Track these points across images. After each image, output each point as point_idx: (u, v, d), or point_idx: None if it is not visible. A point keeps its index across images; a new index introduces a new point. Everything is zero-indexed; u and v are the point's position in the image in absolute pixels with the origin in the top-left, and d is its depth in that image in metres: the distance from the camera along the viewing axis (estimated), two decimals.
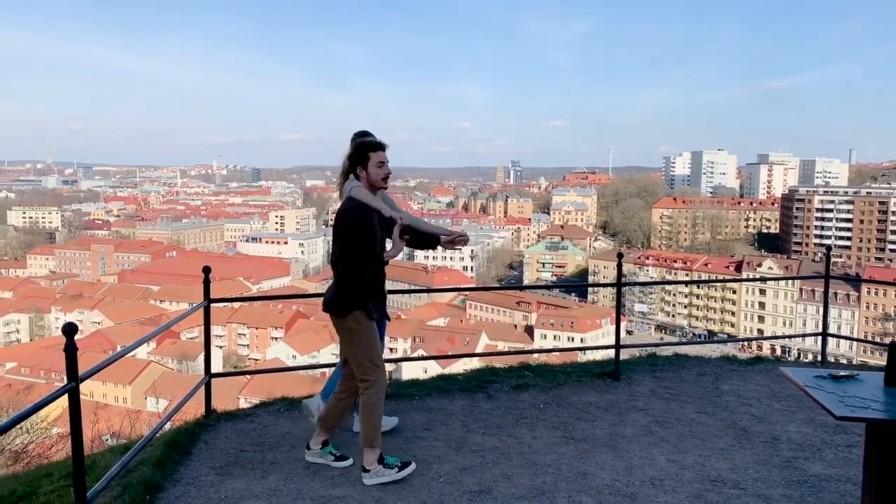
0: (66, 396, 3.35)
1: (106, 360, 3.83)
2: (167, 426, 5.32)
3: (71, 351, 3.20)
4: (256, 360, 78.00)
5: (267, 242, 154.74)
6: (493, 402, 5.93)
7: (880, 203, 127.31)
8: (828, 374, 3.70)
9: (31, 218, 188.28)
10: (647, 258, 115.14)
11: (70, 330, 3.22)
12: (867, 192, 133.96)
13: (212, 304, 5.52)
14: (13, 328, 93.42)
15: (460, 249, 4.51)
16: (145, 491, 4.06)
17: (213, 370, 5.76)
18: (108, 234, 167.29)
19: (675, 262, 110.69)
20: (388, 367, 5.36)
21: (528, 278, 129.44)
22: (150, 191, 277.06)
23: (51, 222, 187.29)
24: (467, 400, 5.96)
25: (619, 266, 6.87)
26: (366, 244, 4.27)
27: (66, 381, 3.33)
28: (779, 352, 73.44)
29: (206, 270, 5.39)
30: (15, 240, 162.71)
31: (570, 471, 4.52)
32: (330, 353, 68.54)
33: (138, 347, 4.93)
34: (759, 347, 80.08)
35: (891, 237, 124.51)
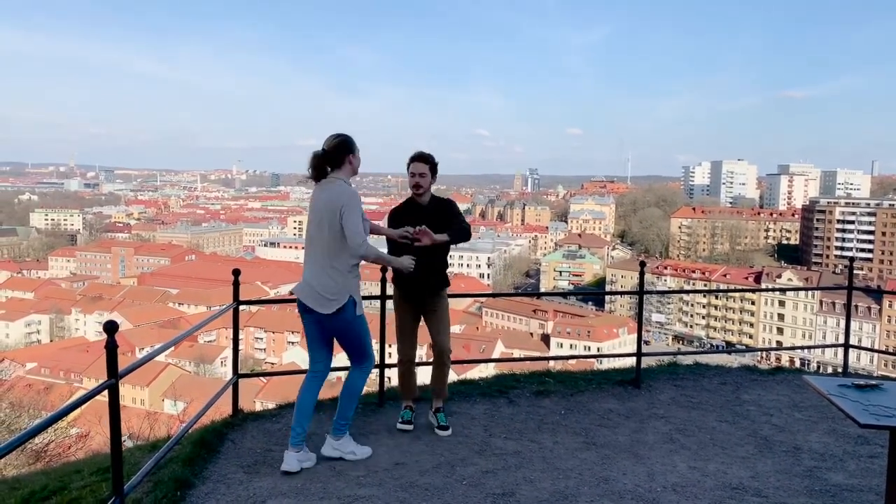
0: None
1: (143, 358, 3.94)
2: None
3: (112, 348, 3.30)
4: (273, 363, 78.25)
5: (285, 247, 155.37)
6: (515, 407, 5.99)
7: None
8: (851, 383, 3.73)
9: (53, 220, 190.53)
10: (666, 268, 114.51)
11: (111, 328, 3.32)
12: (890, 205, 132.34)
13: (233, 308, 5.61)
14: (34, 329, 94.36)
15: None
16: (176, 487, 4.15)
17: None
18: (129, 237, 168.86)
19: (693, 272, 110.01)
20: None
21: (545, 287, 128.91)
22: (171, 195, 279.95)
23: (72, 224, 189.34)
24: (488, 405, 6.02)
25: (642, 274, 6.91)
26: None
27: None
28: (798, 363, 72.75)
29: (236, 273, 5.48)
30: (37, 241, 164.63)
31: (592, 476, 4.56)
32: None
33: (168, 349, 5.02)
34: (778, 359, 79.32)
35: None
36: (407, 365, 5.46)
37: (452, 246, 5.22)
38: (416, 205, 5.24)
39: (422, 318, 5.43)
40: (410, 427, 5.34)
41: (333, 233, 4.41)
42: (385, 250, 4.92)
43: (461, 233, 5.13)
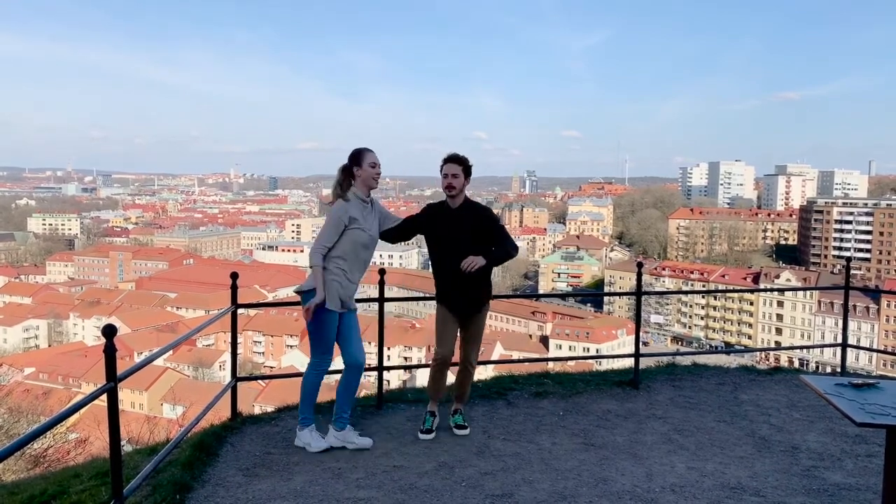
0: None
1: (142, 362, 3.95)
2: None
3: (111, 352, 3.31)
4: (272, 367, 78.16)
5: (283, 251, 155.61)
6: (513, 408, 5.99)
7: None
8: (848, 381, 3.74)
9: (50, 225, 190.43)
10: (664, 269, 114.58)
11: (110, 331, 3.33)
12: (887, 204, 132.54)
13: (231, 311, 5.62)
14: (32, 334, 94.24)
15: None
16: (175, 490, 4.16)
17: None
18: (127, 242, 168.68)
19: (691, 273, 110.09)
20: (404, 375, 5.47)
21: (544, 288, 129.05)
22: (168, 199, 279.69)
23: (70, 229, 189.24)
24: (487, 406, 6.02)
25: (639, 275, 6.93)
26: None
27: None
28: (797, 363, 72.75)
29: (234, 276, 5.50)
30: (35, 246, 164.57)
31: (591, 476, 4.57)
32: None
33: (167, 353, 5.05)
34: (777, 359, 79.37)
35: None
36: (440, 365, 5.28)
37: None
38: (446, 208, 5.16)
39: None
40: (431, 436, 5.23)
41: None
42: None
43: (502, 255, 5.04)
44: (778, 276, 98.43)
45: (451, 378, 5.51)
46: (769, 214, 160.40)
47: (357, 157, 4.94)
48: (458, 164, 5.08)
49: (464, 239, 5.00)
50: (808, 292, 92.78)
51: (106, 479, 4.46)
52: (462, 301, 5.18)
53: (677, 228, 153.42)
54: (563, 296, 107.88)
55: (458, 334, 5.31)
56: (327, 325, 4.88)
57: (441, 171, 5.12)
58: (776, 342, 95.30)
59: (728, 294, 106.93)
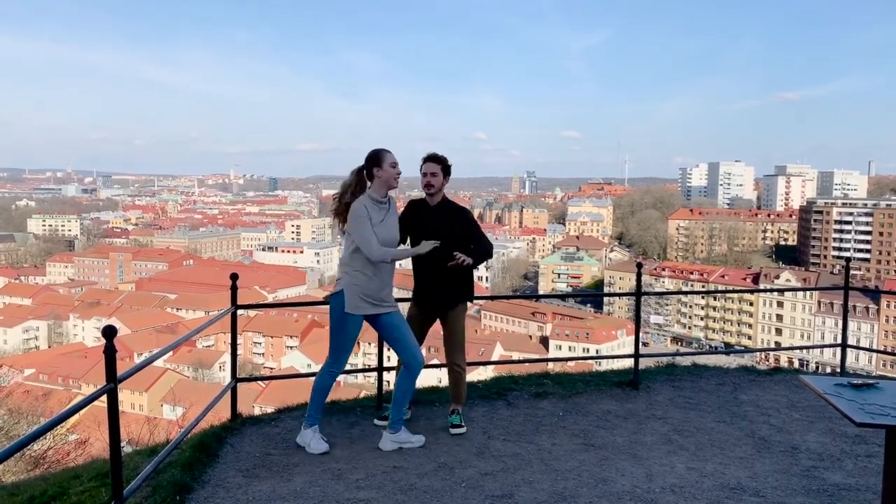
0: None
1: (142, 363, 3.95)
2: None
3: (111, 353, 3.31)
4: (271, 368, 78.16)
5: (283, 252, 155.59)
6: (513, 409, 6.00)
7: None
8: (847, 382, 3.75)
9: (50, 226, 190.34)
10: (664, 269, 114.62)
11: (110, 332, 3.33)
12: (887, 205, 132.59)
13: (231, 312, 5.61)
14: (32, 335, 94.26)
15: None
16: (175, 491, 4.16)
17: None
18: (127, 243, 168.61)
19: (691, 273, 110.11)
20: None
21: (544, 289, 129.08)
22: (168, 200, 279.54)
23: (70, 230, 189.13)
24: (487, 407, 6.03)
25: (639, 276, 6.93)
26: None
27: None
28: (797, 364, 72.74)
29: (234, 277, 5.50)
30: (35, 247, 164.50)
31: (591, 477, 4.57)
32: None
33: (167, 353, 5.06)
34: (777, 360, 79.38)
35: None
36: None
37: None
38: (425, 205, 5.31)
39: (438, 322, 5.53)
40: (384, 423, 5.33)
41: (347, 241, 4.88)
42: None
43: (483, 254, 5.27)
44: (778, 277, 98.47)
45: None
46: (769, 215, 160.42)
47: (377, 158, 4.91)
48: (436, 163, 5.25)
49: (443, 237, 5.09)
50: (808, 293, 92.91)
51: (106, 480, 4.46)
52: (451, 294, 5.35)
53: (677, 229, 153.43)
54: (562, 296, 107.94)
55: (443, 335, 5.49)
56: (348, 328, 4.91)
57: (420, 170, 5.29)
58: (776, 342, 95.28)
59: (728, 294, 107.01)
